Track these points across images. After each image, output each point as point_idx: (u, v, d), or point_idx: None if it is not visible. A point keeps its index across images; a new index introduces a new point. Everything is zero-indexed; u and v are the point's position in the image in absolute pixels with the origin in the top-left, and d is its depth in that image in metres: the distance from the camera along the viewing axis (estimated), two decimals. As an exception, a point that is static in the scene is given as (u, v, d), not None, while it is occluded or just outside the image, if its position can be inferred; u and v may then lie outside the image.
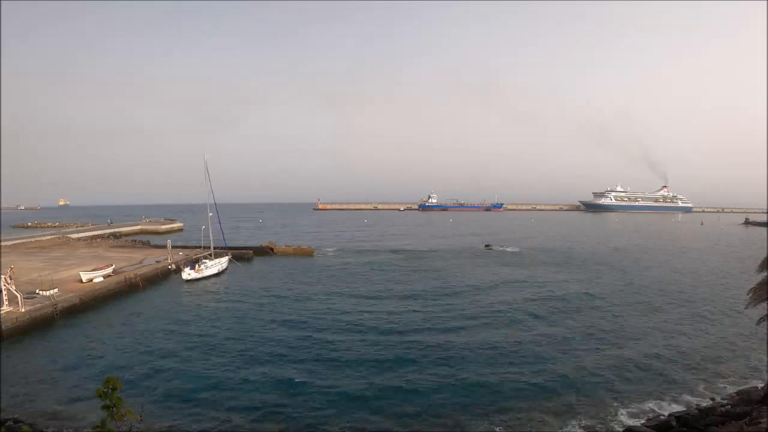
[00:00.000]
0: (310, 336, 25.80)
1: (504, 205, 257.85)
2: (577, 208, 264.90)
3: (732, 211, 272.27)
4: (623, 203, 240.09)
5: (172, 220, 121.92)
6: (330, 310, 32.02)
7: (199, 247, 56.54)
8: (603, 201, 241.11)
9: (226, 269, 48.58)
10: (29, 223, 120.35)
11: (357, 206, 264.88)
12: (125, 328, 27.40)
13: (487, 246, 70.15)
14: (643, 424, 15.74)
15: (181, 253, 53.15)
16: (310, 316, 30.38)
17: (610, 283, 43.00)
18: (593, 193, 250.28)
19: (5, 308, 26.56)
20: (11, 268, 29.65)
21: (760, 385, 18.94)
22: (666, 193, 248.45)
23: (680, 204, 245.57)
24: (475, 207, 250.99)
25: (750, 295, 16.80)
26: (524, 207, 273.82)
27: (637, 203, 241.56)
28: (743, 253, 67.74)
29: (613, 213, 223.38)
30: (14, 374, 20.11)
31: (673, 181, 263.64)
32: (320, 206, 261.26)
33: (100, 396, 4.71)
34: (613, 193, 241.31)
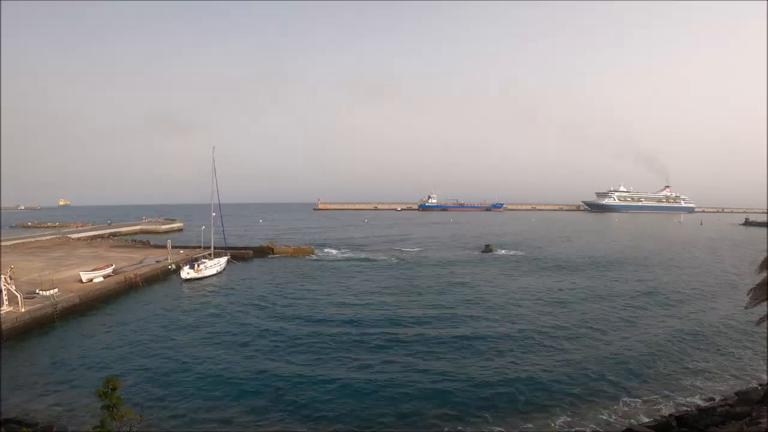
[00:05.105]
0: (309, 335, 25.80)
1: (504, 205, 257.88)
2: (578, 208, 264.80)
3: (732, 211, 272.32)
4: (626, 203, 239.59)
5: (172, 220, 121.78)
6: (328, 309, 32.00)
7: (199, 247, 56.55)
8: (606, 201, 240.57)
9: (224, 269, 48.55)
10: (29, 223, 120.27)
11: (357, 206, 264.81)
12: (125, 328, 27.39)
13: (487, 246, 70.13)
14: (643, 424, 15.73)
15: (181, 252, 53.19)
16: (309, 315, 30.39)
17: (609, 283, 42.99)
18: (596, 193, 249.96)
19: (5, 308, 26.55)
20: (11, 268, 29.61)
21: (760, 385, 18.94)
22: (669, 193, 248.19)
23: (683, 204, 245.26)
24: (475, 207, 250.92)
25: (750, 295, 16.78)
26: (524, 207, 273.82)
27: (640, 203, 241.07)
28: (743, 253, 67.72)
29: (616, 213, 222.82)
30: (14, 374, 20.11)
31: (674, 180, 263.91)
32: (320, 206, 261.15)
33: (100, 396, 4.69)
34: (617, 193, 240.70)
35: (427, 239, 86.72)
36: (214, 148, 50.23)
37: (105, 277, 37.67)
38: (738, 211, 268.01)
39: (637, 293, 38.70)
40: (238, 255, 56.15)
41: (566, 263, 55.87)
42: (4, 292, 27.17)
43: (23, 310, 26.74)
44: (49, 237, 70.74)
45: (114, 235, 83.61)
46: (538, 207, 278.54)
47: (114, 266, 41.31)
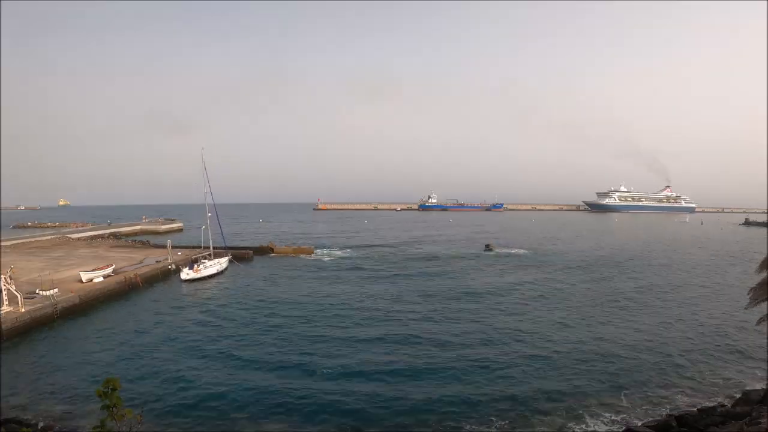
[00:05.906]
0: (308, 336, 25.80)
1: (504, 205, 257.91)
2: (578, 208, 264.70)
3: (732, 211, 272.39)
4: (627, 203, 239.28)
5: (172, 220, 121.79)
6: (328, 309, 32.01)
7: (200, 247, 56.54)
8: (606, 201, 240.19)
9: (225, 269, 48.55)
10: (29, 223, 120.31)
11: (357, 206, 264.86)
12: (125, 329, 27.39)
13: (487, 246, 70.14)
14: (643, 424, 15.72)
15: (180, 253, 53.16)
16: (309, 315, 30.36)
17: (608, 282, 42.98)
18: (597, 193, 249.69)
19: (5, 308, 26.56)
20: (11, 268, 29.62)
21: (760, 385, 18.94)
22: (669, 193, 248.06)
23: (683, 204, 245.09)
24: (475, 207, 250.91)
25: (750, 295, 16.77)
26: (524, 207, 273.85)
27: (640, 203, 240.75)
28: (743, 253, 67.71)
29: (617, 213, 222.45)
30: (14, 374, 20.12)
31: (674, 180, 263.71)
32: (320, 206, 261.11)
33: (100, 396, 4.70)
34: (617, 193, 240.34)
35: (428, 239, 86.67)
36: (203, 149, 50.68)
37: (105, 277, 37.67)
38: (738, 211, 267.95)
39: (637, 292, 38.68)
40: (239, 255, 56.13)
41: (567, 262, 55.80)
42: (4, 292, 27.18)
43: (23, 310, 26.74)
44: (49, 237, 70.76)
45: (114, 235, 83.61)
46: (538, 207, 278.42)
47: (114, 266, 41.31)
